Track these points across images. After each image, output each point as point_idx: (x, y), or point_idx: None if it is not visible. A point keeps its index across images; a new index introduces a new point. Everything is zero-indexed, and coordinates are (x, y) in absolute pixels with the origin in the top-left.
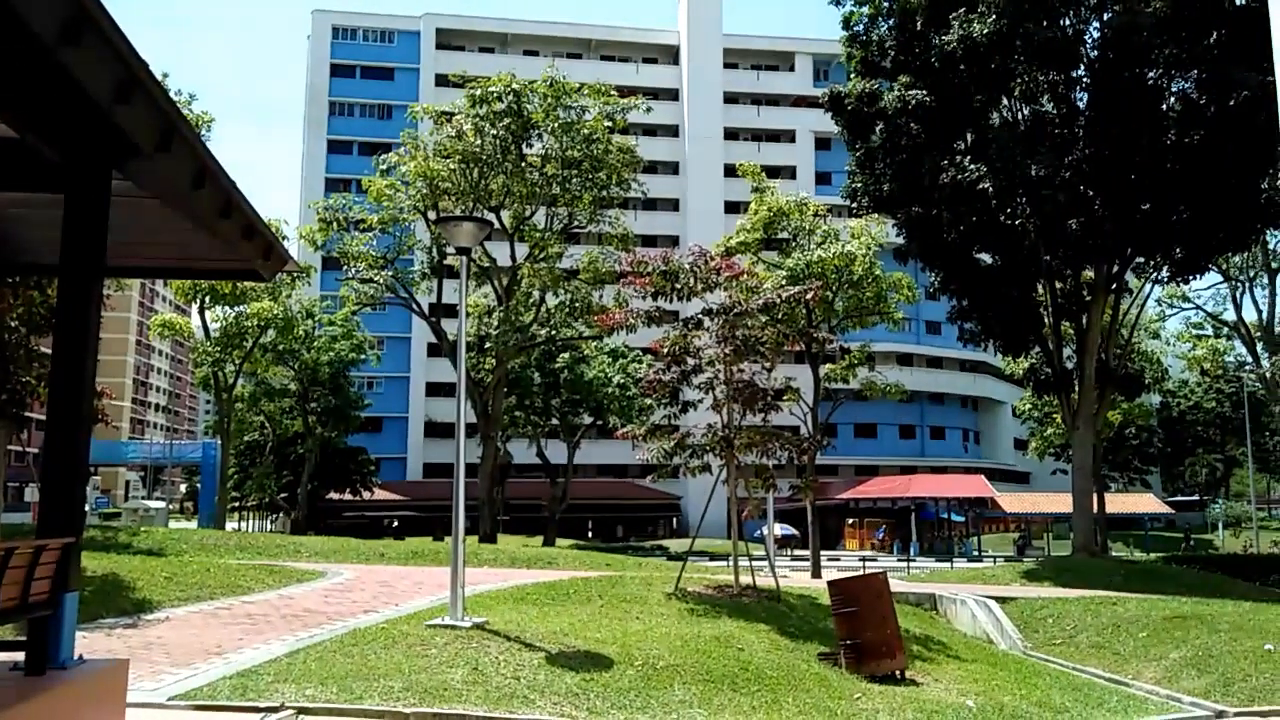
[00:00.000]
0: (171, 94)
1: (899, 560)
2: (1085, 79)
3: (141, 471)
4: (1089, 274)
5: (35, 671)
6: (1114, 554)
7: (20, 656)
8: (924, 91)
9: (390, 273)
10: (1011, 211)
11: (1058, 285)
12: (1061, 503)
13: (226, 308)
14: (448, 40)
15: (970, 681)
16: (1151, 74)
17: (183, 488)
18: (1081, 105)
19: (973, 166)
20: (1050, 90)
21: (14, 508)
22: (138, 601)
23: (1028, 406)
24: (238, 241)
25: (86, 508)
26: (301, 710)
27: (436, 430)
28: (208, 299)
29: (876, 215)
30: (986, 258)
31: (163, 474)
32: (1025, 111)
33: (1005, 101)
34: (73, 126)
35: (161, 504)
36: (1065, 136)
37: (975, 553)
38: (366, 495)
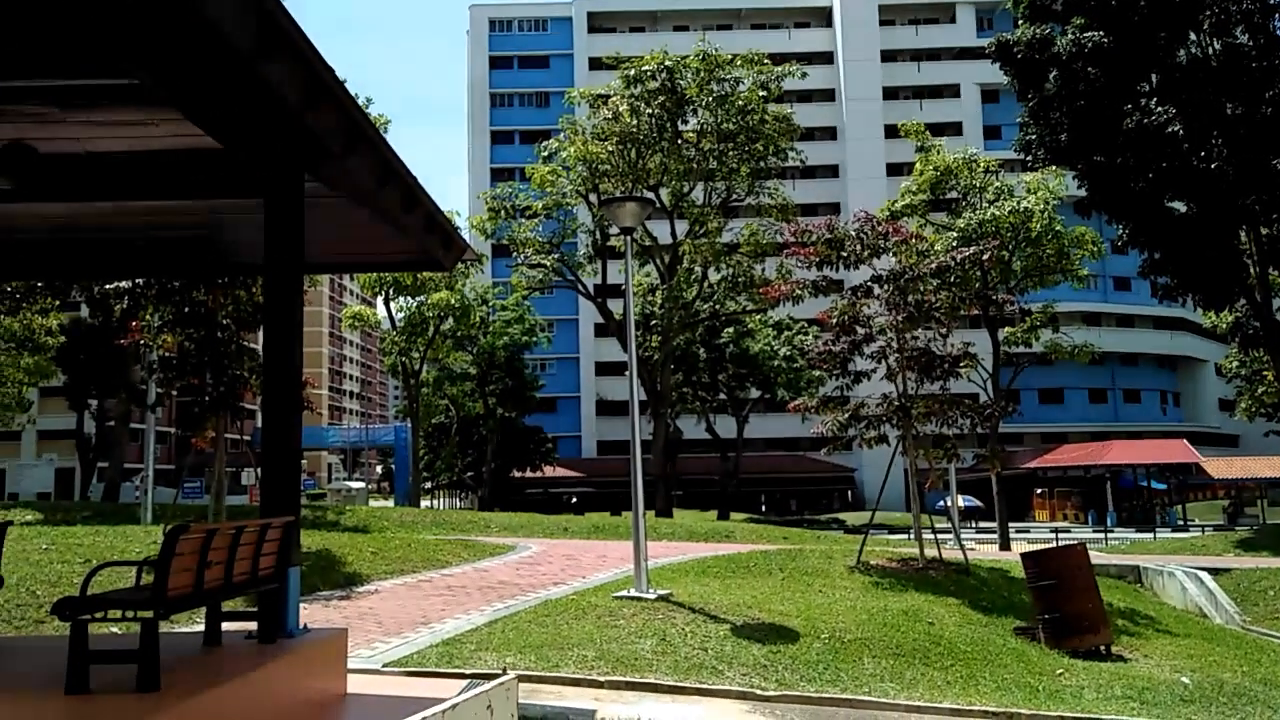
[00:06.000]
0: None
1: (1095, 531)
2: None
3: (341, 454)
4: None
5: (266, 640)
6: None
7: (253, 626)
8: (1100, 33)
9: (556, 256)
10: (1206, 154)
11: (1263, 231)
12: (1277, 466)
13: (409, 298)
14: (599, 23)
15: (1184, 657)
16: None
17: (378, 469)
18: None
19: (1160, 109)
20: (1245, 20)
21: (231, 490)
22: (349, 575)
23: (1234, 364)
24: (420, 233)
25: None
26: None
27: (607, 408)
28: (391, 291)
29: (1054, 167)
30: (1179, 206)
31: (360, 456)
32: (1216, 46)
33: (1193, 36)
34: (269, 135)
35: (361, 484)
36: (1264, 69)
37: (1180, 522)
38: (547, 472)
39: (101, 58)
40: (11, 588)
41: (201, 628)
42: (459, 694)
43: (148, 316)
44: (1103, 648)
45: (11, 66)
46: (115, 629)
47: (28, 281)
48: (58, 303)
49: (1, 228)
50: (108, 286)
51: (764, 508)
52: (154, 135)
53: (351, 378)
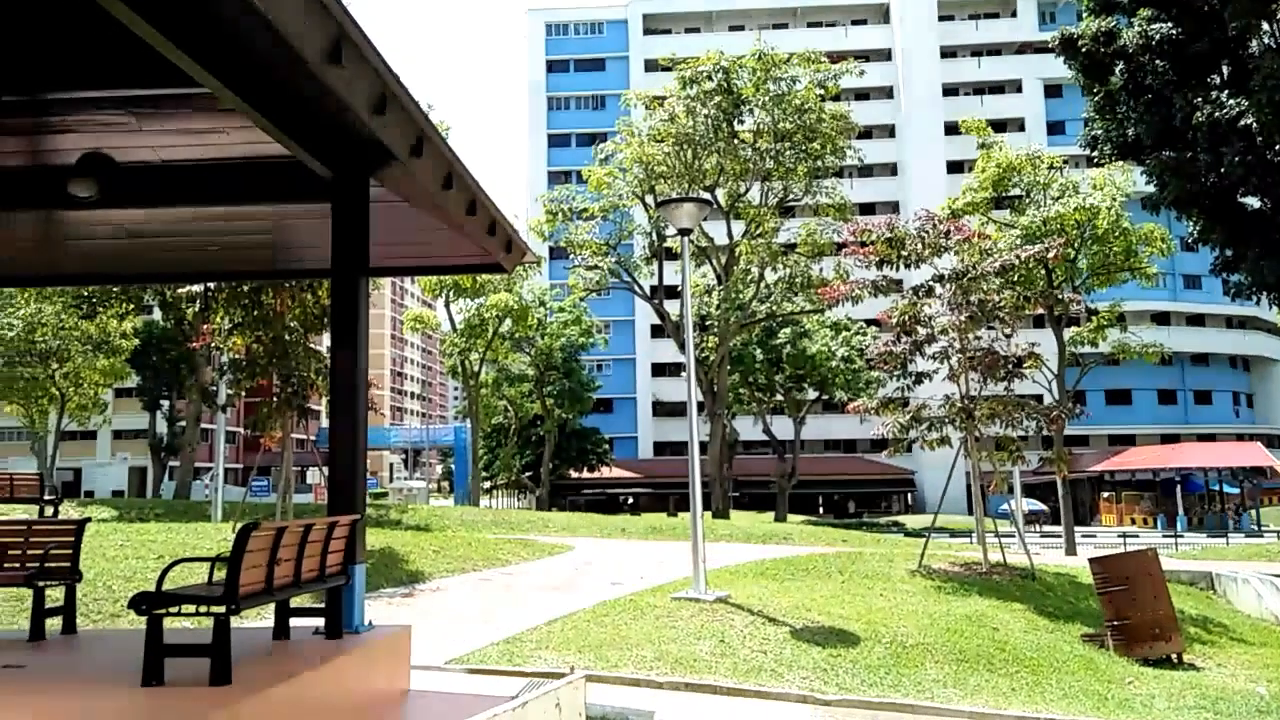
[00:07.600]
0: None
1: (1164, 536)
2: None
3: (403, 454)
4: None
5: (333, 635)
6: None
7: (320, 622)
8: (1169, 24)
9: (613, 258)
10: None
11: None
12: None
13: (468, 300)
14: (654, 25)
15: (1259, 666)
16: None
17: (438, 468)
18: None
19: (1232, 101)
20: None
21: (297, 489)
22: (412, 573)
23: None
24: (482, 237)
25: None
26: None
27: (664, 409)
28: (451, 293)
29: (1121, 163)
30: (1254, 201)
31: (421, 456)
32: None
33: (1266, 26)
34: (337, 141)
35: (422, 484)
36: None
37: (1254, 527)
38: (604, 473)
39: (174, 67)
40: (89, 582)
41: (270, 623)
42: (520, 692)
43: (218, 320)
44: (1174, 656)
45: (89, 76)
46: (188, 623)
47: (105, 286)
48: (132, 307)
49: (82, 235)
50: (180, 290)
51: (822, 510)
52: (224, 143)
53: (412, 379)
